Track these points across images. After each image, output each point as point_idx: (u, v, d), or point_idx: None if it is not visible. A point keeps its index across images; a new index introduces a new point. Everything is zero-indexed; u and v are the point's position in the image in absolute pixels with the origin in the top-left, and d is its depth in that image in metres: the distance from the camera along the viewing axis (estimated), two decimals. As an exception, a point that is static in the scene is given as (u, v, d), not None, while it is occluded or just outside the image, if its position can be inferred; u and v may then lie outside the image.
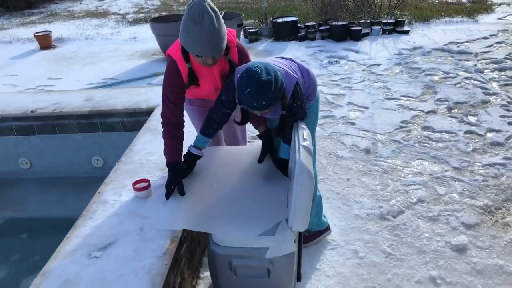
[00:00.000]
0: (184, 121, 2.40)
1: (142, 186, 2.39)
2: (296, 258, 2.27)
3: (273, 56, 2.45)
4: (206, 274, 2.60)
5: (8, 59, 7.32)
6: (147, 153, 2.85)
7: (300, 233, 2.28)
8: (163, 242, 2.07)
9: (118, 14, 10.31)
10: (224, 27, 2.13)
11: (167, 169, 2.62)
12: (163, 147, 2.58)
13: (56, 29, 8.91)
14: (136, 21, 9.35)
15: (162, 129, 2.37)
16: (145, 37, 8.00)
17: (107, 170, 2.78)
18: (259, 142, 2.64)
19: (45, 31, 8.09)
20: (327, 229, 2.84)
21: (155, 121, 3.29)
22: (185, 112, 2.45)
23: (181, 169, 2.38)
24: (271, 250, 2.08)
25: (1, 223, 3.49)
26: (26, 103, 3.79)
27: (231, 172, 2.52)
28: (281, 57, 2.38)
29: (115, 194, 2.44)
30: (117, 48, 7.53)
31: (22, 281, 2.89)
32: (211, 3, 2.09)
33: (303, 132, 2.17)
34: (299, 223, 2.05)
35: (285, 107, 2.21)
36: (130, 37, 8.21)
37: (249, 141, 3.40)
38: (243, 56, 2.35)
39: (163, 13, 9.21)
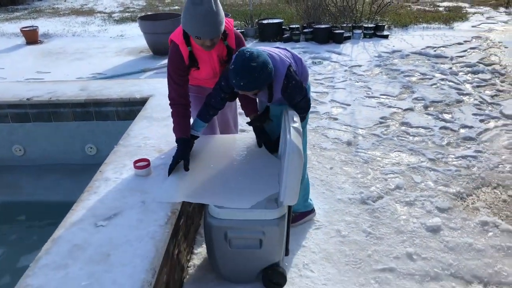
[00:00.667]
0: (190, 101, 2.62)
1: (142, 164, 2.55)
2: (285, 232, 2.47)
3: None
4: (199, 251, 2.77)
5: (-5, 53, 7.35)
6: (144, 137, 3.01)
7: (289, 210, 2.47)
8: (164, 213, 2.23)
9: (104, 12, 10.39)
10: (222, 11, 2.33)
11: (164, 151, 2.81)
12: (159, 132, 2.76)
13: (42, 25, 8.94)
14: (122, 20, 9.45)
15: (170, 110, 2.59)
16: (132, 35, 8.12)
17: (100, 158, 2.91)
18: (250, 133, 2.85)
19: (32, 26, 8.13)
20: (312, 210, 3.04)
21: (150, 109, 3.46)
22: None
23: (189, 145, 2.59)
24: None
25: (-4, 206, 3.60)
26: (21, 92, 3.90)
27: (226, 155, 2.71)
28: (277, 47, 2.58)
29: (116, 173, 2.59)
30: (104, 45, 7.63)
31: (20, 259, 3.01)
32: None
33: (293, 114, 2.37)
34: (290, 198, 2.25)
35: (272, 99, 2.41)
36: (118, 34, 8.32)
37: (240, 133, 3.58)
38: (240, 42, 2.56)
39: (148, 13, 9.33)
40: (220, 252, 2.41)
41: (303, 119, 2.62)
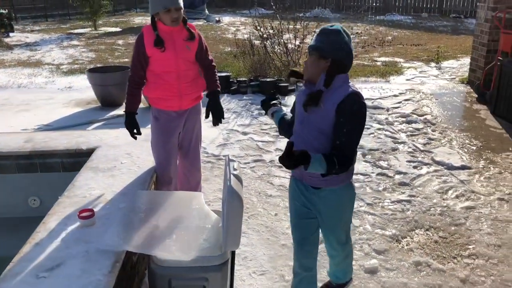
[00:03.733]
0: (143, 83, 3.19)
1: (87, 214, 2.58)
2: (229, 278, 2.55)
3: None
4: (144, 301, 2.77)
5: None
6: (90, 188, 3.04)
7: (232, 255, 2.56)
8: (108, 262, 2.26)
9: (52, 64, 10.36)
10: None
11: (109, 200, 2.86)
12: (105, 182, 2.88)
13: (-14, 76, 8.80)
14: (71, 72, 9.46)
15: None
16: (81, 87, 8.14)
17: (44, 210, 2.89)
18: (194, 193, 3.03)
19: (-25, 78, 7.99)
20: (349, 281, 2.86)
21: (96, 160, 3.50)
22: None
23: (134, 116, 3.20)
24: None
25: None
26: (-37, 144, 3.84)
27: (171, 211, 2.76)
28: None
29: (60, 224, 2.60)
30: (51, 96, 7.59)
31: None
32: None
33: (233, 163, 2.51)
34: (231, 243, 2.35)
35: (328, 84, 2.21)
36: (65, 86, 8.30)
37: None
38: (200, 34, 3.23)
39: (97, 65, 9.41)
40: (164, 300, 2.44)
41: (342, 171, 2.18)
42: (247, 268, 3.12)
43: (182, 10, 3.02)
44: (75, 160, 3.76)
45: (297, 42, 8.49)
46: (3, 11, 14.05)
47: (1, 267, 2.28)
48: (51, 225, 2.59)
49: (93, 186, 3.06)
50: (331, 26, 2.28)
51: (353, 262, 3.16)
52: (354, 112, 2.18)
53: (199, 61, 3.22)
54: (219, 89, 3.33)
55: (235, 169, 2.39)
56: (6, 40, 13.29)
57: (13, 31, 14.48)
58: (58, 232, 2.51)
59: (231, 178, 2.29)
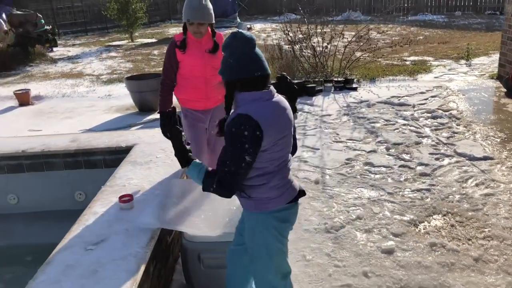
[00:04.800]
0: (174, 85, 3.48)
1: (126, 199, 2.93)
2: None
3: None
4: (178, 278, 3.08)
5: (-12, 115, 7.76)
6: (129, 178, 3.39)
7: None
8: (145, 238, 2.59)
9: (93, 75, 10.99)
10: (211, 9, 3.28)
11: (146, 188, 3.20)
12: (142, 173, 3.24)
13: (33, 88, 9.43)
14: (110, 81, 10.02)
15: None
16: (120, 95, 8.64)
17: (89, 204, 3.26)
18: None
19: (24, 89, 8.62)
20: None
21: (134, 155, 3.86)
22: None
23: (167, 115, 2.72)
24: None
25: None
26: (17, 145, 4.29)
27: (200, 195, 3.07)
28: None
29: (103, 208, 2.96)
30: (93, 104, 8.12)
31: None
32: None
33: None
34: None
35: (228, 109, 2.10)
36: (105, 94, 8.84)
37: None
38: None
39: (135, 74, 9.91)
40: (194, 272, 2.75)
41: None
42: None
43: (210, 25, 3.35)
44: (116, 157, 4.14)
45: (325, 44, 8.72)
46: (48, 27, 14.89)
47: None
48: (96, 209, 2.94)
49: (132, 177, 3.41)
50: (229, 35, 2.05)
51: (371, 244, 3.39)
52: (231, 133, 1.96)
53: None
54: None
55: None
56: (51, 54, 14.11)
57: (56, 46, 15.32)
58: (102, 214, 2.86)
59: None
